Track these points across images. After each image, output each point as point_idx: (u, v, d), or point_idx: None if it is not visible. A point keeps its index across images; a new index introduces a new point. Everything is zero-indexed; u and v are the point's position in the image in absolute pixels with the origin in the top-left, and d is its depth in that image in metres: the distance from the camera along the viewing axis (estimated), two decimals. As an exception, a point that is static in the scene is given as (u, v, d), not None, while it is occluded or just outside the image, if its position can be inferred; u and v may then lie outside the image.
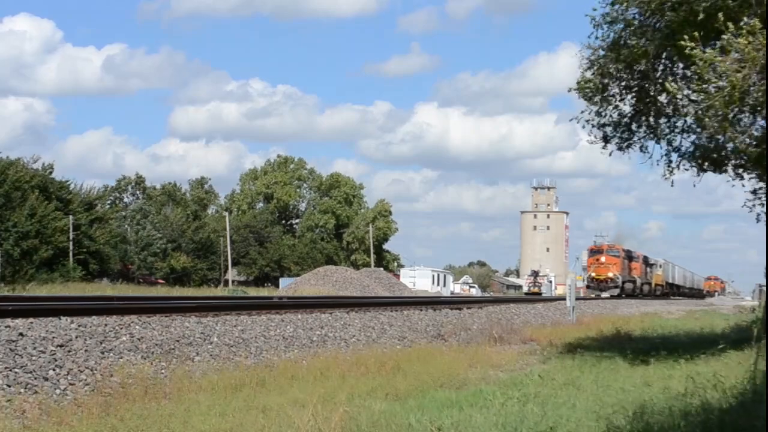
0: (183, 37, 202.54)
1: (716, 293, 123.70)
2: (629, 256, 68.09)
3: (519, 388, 11.28)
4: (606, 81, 15.25)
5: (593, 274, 63.08)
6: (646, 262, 75.32)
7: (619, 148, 16.26)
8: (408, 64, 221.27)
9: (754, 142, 12.38)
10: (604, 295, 60.82)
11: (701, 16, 12.12)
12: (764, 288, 34.40)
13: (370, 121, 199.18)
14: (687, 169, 16.10)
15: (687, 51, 11.71)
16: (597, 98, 15.46)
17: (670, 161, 16.02)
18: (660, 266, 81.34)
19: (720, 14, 11.58)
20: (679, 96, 13.36)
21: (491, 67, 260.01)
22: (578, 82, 15.41)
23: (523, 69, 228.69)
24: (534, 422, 8.74)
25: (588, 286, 63.88)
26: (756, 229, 16.74)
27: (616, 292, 61.93)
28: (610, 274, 62.00)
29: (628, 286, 65.63)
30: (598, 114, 15.88)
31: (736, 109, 11.59)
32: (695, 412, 8.64)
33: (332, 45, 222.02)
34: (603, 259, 62.79)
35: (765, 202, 15.36)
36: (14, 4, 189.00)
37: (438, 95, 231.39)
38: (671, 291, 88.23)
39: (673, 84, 13.11)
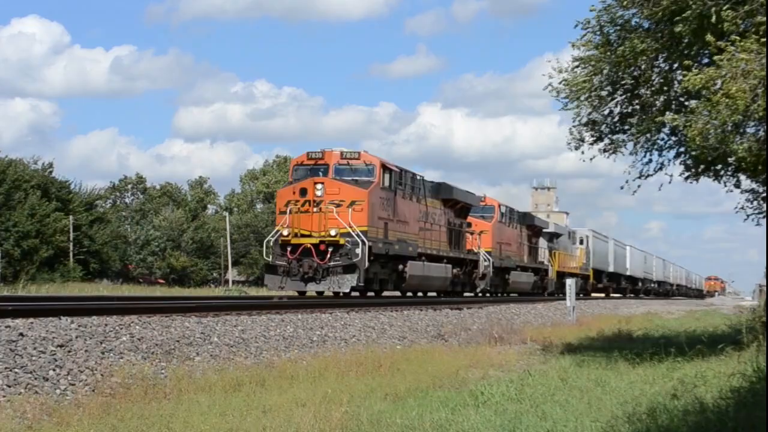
0: (191, 39, 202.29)
1: (716, 293, 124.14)
2: (445, 199, 30.61)
3: (518, 388, 11.30)
4: (597, 78, 15.04)
5: (284, 233, 23.97)
6: (531, 226, 41.08)
7: (605, 150, 16.05)
8: (414, 66, 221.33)
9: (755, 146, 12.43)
10: (321, 289, 24.37)
11: (713, 18, 12.14)
12: (764, 288, 34.46)
13: (375, 122, 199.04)
14: (674, 173, 16.10)
15: (686, 80, 12.03)
16: (585, 96, 15.25)
17: (650, 161, 15.94)
18: (579, 241, 48.92)
19: (722, 26, 11.78)
20: (678, 122, 13.30)
21: (495, 68, 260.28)
22: (565, 79, 15.16)
23: (527, 70, 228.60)
24: (533, 422, 8.77)
25: (269, 267, 24.30)
26: (757, 228, 16.77)
27: (354, 280, 23.06)
28: (333, 232, 23.42)
29: (436, 273, 28.86)
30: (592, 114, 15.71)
31: (740, 117, 11.70)
32: (694, 413, 8.66)
33: (339, 46, 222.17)
34: (319, 190, 23.75)
35: (763, 203, 15.39)
36: (24, 6, 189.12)
37: (442, 96, 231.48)
38: (616, 286, 56.41)
39: (674, 115, 13.28)
